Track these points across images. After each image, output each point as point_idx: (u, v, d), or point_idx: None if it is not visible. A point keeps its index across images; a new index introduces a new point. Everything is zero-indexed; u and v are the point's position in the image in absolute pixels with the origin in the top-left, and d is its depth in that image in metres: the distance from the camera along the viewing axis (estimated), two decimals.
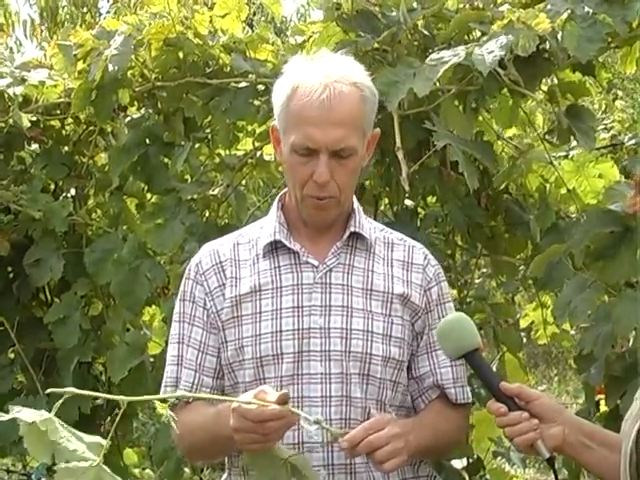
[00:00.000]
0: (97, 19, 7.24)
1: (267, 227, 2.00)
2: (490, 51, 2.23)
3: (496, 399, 1.73)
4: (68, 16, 7.06)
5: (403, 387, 1.98)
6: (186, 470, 3.21)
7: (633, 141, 3.45)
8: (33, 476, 3.52)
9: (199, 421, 1.89)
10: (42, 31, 6.84)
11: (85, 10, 7.54)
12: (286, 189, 2.02)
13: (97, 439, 1.36)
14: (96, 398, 3.09)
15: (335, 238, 1.97)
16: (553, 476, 1.75)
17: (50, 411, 3.11)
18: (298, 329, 1.90)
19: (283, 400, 1.66)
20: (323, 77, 1.85)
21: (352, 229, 1.97)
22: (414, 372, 2.00)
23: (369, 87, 1.92)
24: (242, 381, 1.93)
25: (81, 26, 5.63)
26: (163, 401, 2.06)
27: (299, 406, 1.83)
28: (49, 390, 1.38)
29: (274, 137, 1.97)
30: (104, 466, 1.31)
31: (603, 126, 3.78)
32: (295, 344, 1.89)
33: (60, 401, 1.36)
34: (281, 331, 1.90)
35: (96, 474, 1.30)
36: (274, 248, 1.97)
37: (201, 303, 1.99)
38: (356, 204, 2.01)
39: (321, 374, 1.88)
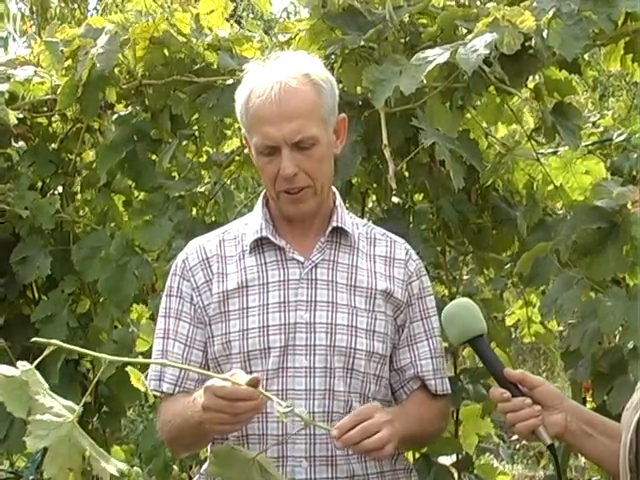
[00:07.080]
0: (87, 15, 7.19)
1: (252, 224, 2.02)
2: (474, 50, 2.23)
3: (499, 385, 1.75)
4: (59, 11, 7.00)
5: (386, 380, 2.01)
6: (174, 467, 3.21)
7: (622, 137, 3.46)
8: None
9: (176, 409, 1.92)
10: (32, 26, 6.78)
11: (75, 6, 7.49)
12: None
13: (70, 403, 1.38)
14: (82, 394, 3.09)
15: (319, 234, 2.00)
16: (553, 463, 1.77)
17: None
18: (284, 324, 1.92)
19: (254, 383, 1.68)
20: (274, 75, 1.89)
21: (334, 224, 2.00)
22: (395, 364, 2.03)
23: (323, 77, 1.94)
24: None
25: (70, 23, 5.60)
26: (144, 371, 2.06)
27: (283, 398, 1.85)
28: (33, 339, 1.36)
29: (246, 142, 2.01)
30: (77, 425, 1.31)
31: (591, 124, 3.78)
32: (281, 338, 1.92)
33: (45, 353, 1.34)
34: (268, 326, 1.93)
35: (69, 431, 1.30)
36: (260, 244, 2.00)
37: (188, 298, 2.01)
38: (338, 200, 2.04)
39: (305, 368, 1.91)
